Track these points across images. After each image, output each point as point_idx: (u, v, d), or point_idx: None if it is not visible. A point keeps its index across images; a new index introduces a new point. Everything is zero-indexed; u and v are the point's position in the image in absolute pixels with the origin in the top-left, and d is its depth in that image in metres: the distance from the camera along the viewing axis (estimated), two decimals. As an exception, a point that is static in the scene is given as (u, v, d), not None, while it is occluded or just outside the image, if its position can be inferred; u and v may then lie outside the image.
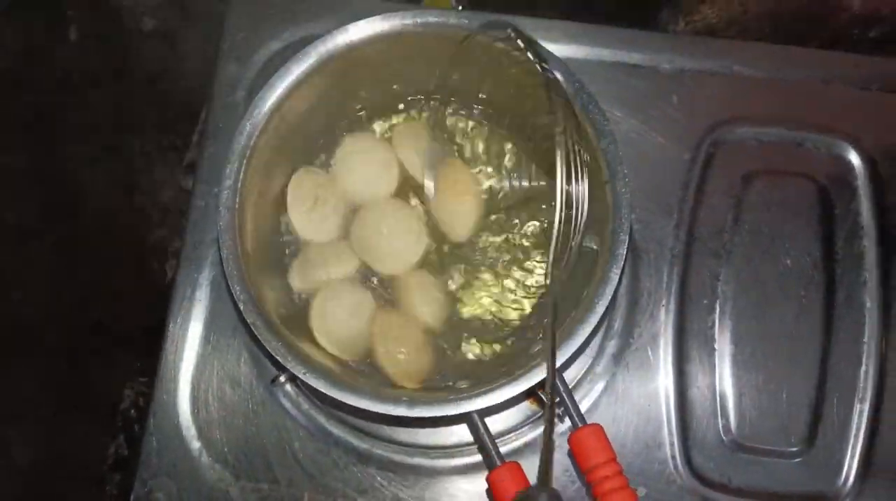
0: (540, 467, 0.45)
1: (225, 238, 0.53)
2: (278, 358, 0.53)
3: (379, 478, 0.67)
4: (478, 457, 0.67)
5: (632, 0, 0.87)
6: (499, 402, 0.50)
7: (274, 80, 0.56)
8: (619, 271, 0.53)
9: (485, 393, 0.51)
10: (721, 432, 0.67)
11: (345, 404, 0.52)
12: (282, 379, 0.68)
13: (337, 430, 0.68)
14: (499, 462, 0.50)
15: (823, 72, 0.73)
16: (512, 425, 0.67)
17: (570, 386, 0.62)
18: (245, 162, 0.54)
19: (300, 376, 0.52)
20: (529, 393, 0.66)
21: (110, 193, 0.93)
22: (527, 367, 0.51)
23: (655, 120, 0.72)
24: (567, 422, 0.57)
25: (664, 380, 0.68)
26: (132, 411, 0.94)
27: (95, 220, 0.88)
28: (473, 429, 0.52)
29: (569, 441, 0.51)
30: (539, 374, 0.50)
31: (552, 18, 0.74)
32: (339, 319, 0.62)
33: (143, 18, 0.96)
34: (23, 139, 0.78)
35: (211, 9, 0.82)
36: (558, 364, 0.50)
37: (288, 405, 0.69)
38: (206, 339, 0.70)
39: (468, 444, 0.67)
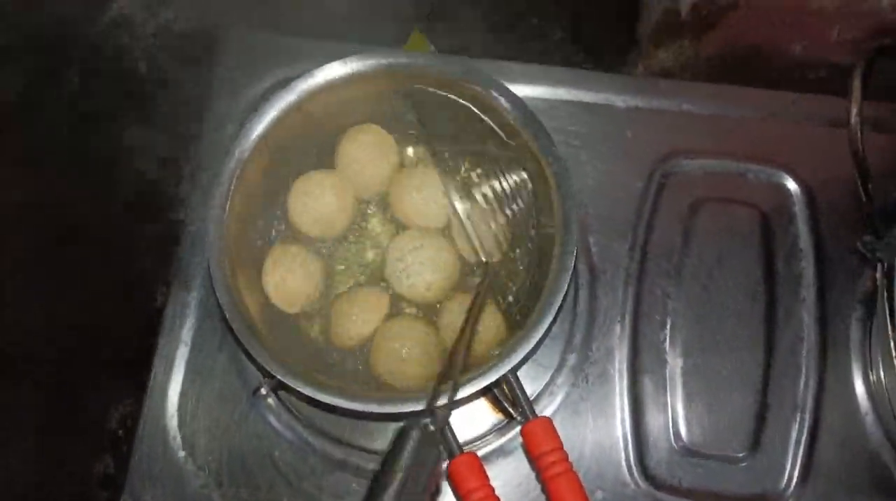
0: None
1: (213, 250, 0.59)
2: (257, 358, 0.58)
3: (354, 484, 0.71)
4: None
5: (598, 49, 0.94)
6: (463, 396, 0.55)
7: (261, 110, 0.63)
8: (566, 281, 0.58)
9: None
10: (672, 438, 0.72)
11: (318, 401, 0.57)
12: (262, 390, 0.72)
13: (315, 439, 0.72)
14: (458, 452, 0.55)
15: (763, 109, 0.80)
16: (480, 434, 0.72)
17: (531, 398, 0.67)
18: (233, 182, 0.60)
19: (277, 376, 0.57)
20: (497, 405, 0.72)
21: (105, 225, 0.97)
22: (483, 368, 0.57)
23: (611, 152, 0.78)
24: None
25: (620, 390, 0.73)
26: (119, 431, 0.98)
27: (89, 251, 0.92)
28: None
29: (521, 432, 0.56)
30: (494, 375, 0.56)
31: (524, 62, 0.81)
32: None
33: (139, 63, 1.02)
34: (23, 175, 0.82)
35: (202, 55, 0.88)
36: (514, 364, 0.56)
37: (269, 416, 0.73)
38: (194, 355, 0.75)
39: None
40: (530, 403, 0.56)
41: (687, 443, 0.72)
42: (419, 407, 0.54)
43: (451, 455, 0.55)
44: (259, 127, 0.62)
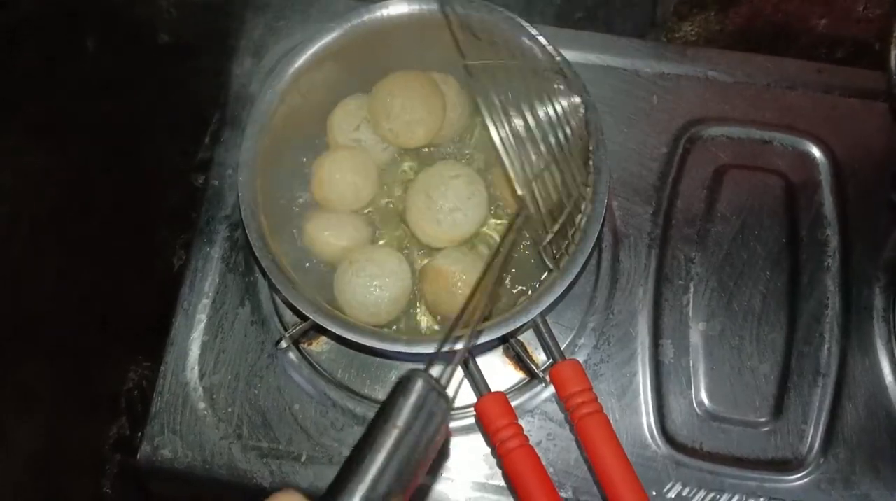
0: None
1: (244, 192, 0.59)
2: (290, 298, 0.58)
3: (373, 439, 0.71)
4: (467, 421, 0.71)
5: (620, 28, 0.94)
6: (483, 340, 0.55)
7: (294, 52, 0.63)
8: (598, 228, 0.58)
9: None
10: (694, 402, 0.72)
11: (349, 341, 0.57)
12: (283, 343, 0.72)
13: (335, 393, 0.72)
14: (485, 391, 0.55)
15: (789, 78, 0.80)
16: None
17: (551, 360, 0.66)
18: (265, 125, 0.60)
19: (308, 313, 0.57)
20: (519, 363, 0.72)
21: (121, 193, 0.98)
22: (507, 314, 0.57)
23: (636, 118, 0.79)
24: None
25: (641, 354, 0.73)
26: (136, 392, 0.98)
27: (105, 219, 0.93)
28: (463, 364, 0.57)
29: (549, 373, 0.55)
30: (516, 322, 0.56)
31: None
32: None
33: (160, 33, 1.02)
34: (38, 142, 0.82)
35: (225, 26, 0.89)
36: (541, 309, 0.56)
37: (290, 370, 0.73)
38: (215, 308, 0.75)
39: (457, 408, 0.71)
40: (558, 346, 0.56)
41: (708, 407, 0.71)
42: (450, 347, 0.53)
43: (478, 394, 0.55)
44: (291, 67, 0.62)
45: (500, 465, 0.61)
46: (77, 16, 0.86)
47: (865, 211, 0.75)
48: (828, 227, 0.75)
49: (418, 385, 0.41)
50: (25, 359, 0.77)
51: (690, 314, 0.74)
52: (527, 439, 0.55)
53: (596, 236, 0.58)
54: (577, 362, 0.56)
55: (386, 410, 0.40)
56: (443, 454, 0.70)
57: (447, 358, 0.46)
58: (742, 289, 0.74)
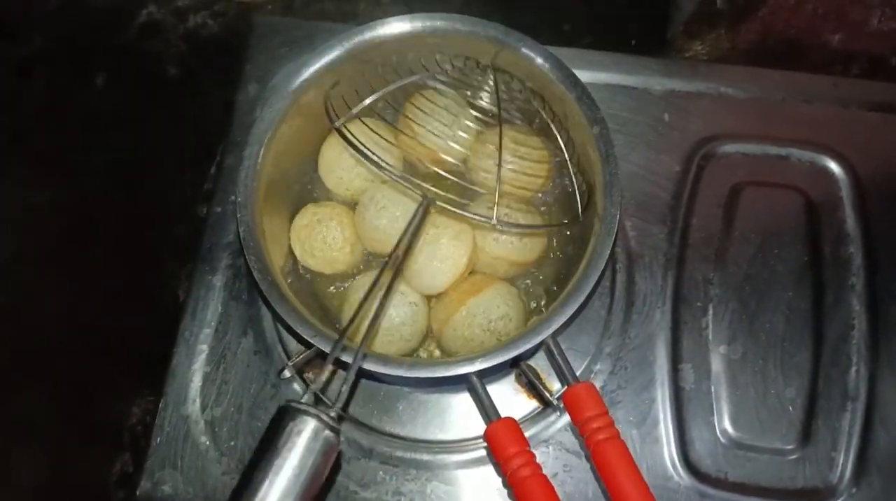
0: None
1: (243, 212, 0.57)
2: (279, 311, 0.56)
3: (381, 472, 0.68)
4: (478, 452, 0.68)
5: (638, 37, 0.93)
6: (492, 364, 0.53)
7: (291, 69, 0.61)
8: (610, 245, 0.56)
9: (479, 357, 0.54)
10: (717, 429, 0.68)
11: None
12: (286, 372, 0.70)
13: (341, 426, 0.69)
14: (495, 417, 0.52)
15: (804, 92, 0.77)
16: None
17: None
18: (264, 146, 0.59)
19: (308, 338, 0.55)
20: (532, 390, 0.69)
21: (127, 225, 0.97)
22: (516, 335, 0.54)
23: (648, 136, 0.76)
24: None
25: (660, 379, 0.70)
26: (139, 427, 0.95)
27: (111, 251, 0.92)
28: (472, 390, 0.54)
29: (563, 397, 0.52)
30: (527, 343, 0.53)
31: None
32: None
33: (168, 67, 1.02)
34: (48, 175, 0.82)
35: (232, 56, 0.88)
36: (553, 330, 0.53)
37: (294, 401, 0.70)
38: (217, 338, 0.73)
39: (467, 439, 0.68)
40: (571, 368, 0.53)
41: (733, 435, 0.68)
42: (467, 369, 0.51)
43: (488, 420, 0.52)
44: (297, 80, 0.60)
45: (512, 496, 0.58)
46: (87, 51, 0.86)
47: (890, 226, 0.73)
48: (851, 244, 0.72)
49: (308, 425, 0.41)
50: (28, 392, 0.75)
51: (710, 337, 0.71)
52: (540, 467, 0.51)
53: (608, 252, 0.56)
54: (592, 385, 0.53)
55: (274, 441, 0.41)
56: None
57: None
58: (764, 310, 0.71)
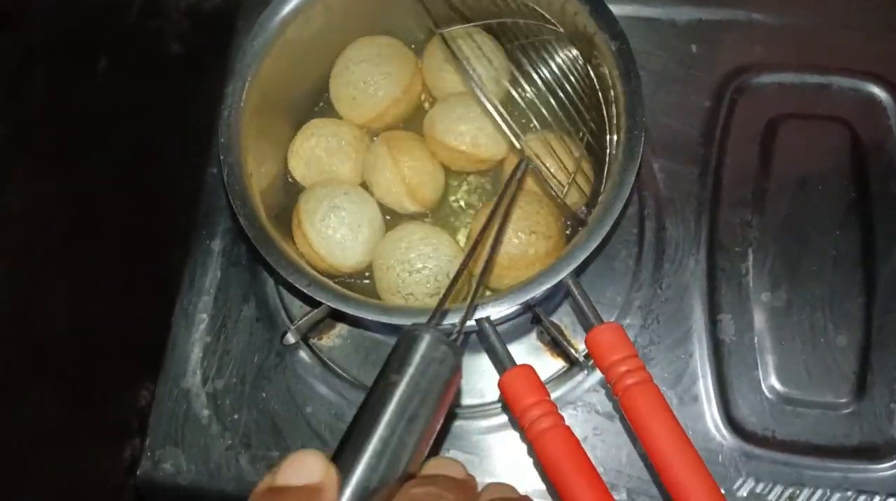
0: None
1: (226, 153, 0.52)
2: (279, 269, 0.51)
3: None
4: (500, 418, 0.63)
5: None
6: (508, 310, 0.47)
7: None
8: (634, 171, 0.50)
9: (493, 300, 0.48)
10: (762, 384, 0.62)
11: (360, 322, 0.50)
12: (290, 337, 0.65)
13: (350, 393, 0.64)
14: (509, 365, 0.46)
15: (843, 16, 0.70)
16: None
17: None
18: (248, 82, 0.54)
19: (303, 289, 0.50)
20: (554, 348, 0.63)
21: (131, 217, 0.93)
22: (532, 276, 0.49)
23: (674, 70, 0.70)
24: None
25: (697, 333, 0.64)
26: (147, 411, 0.92)
27: (116, 242, 0.89)
28: (485, 338, 0.48)
29: (585, 342, 0.47)
30: (543, 284, 0.48)
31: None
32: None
33: (170, 43, 0.98)
34: (52, 167, 0.79)
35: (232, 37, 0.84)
36: (571, 268, 0.47)
37: (300, 370, 0.66)
38: (217, 306, 0.69)
39: (481, 405, 0.63)
40: (596, 311, 0.47)
41: (779, 390, 0.62)
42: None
43: (502, 370, 0.46)
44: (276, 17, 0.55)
45: (533, 454, 0.52)
46: (88, 37, 0.82)
47: (946, 156, 0.66)
48: (902, 178, 0.66)
49: (425, 337, 0.37)
50: (36, 387, 0.72)
51: (751, 285, 0.65)
52: (562, 418, 0.46)
53: (633, 179, 0.50)
54: (619, 325, 0.47)
55: (392, 364, 0.37)
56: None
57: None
58: (809, 254, 0.65)
